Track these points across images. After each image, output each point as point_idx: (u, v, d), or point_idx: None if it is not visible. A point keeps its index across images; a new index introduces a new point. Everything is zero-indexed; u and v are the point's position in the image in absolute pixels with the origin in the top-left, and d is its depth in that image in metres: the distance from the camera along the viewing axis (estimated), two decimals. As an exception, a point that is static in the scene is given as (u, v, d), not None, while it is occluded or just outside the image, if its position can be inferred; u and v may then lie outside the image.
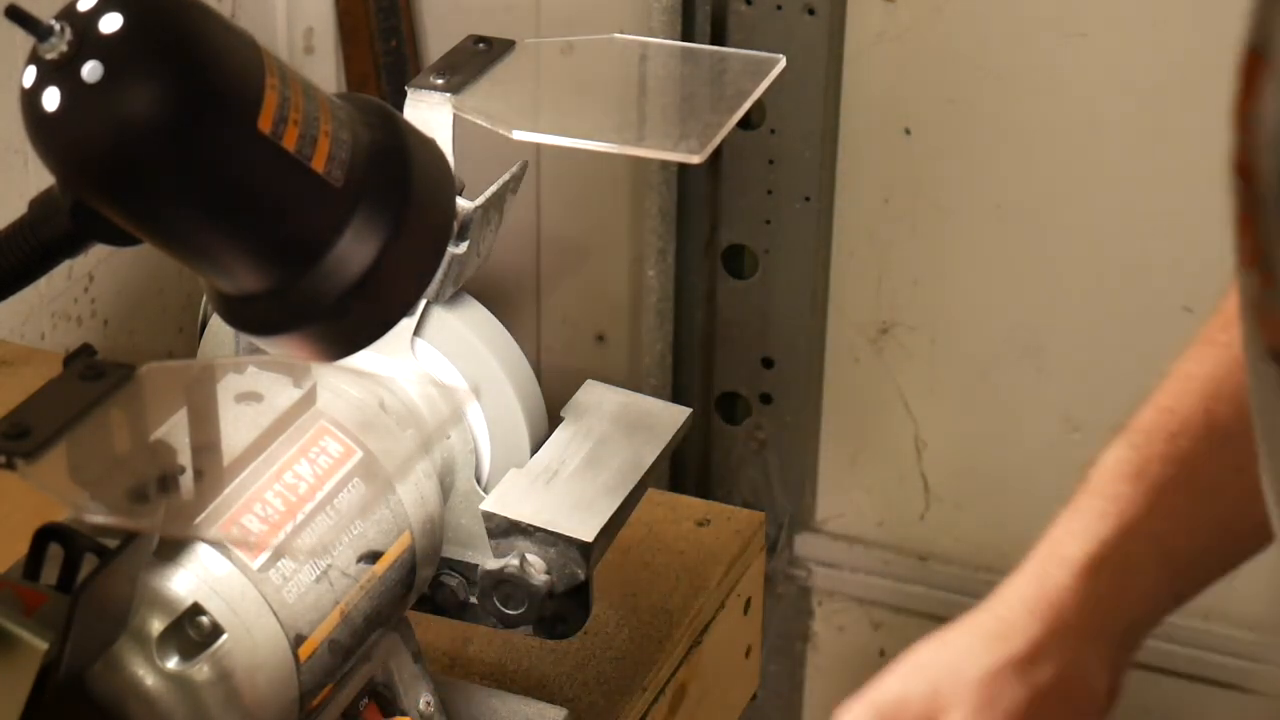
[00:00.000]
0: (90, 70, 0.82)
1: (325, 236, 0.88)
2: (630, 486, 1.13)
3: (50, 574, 0.95)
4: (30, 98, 0.84)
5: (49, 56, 0.83)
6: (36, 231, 0.90)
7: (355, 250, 0.89)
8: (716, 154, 2.08)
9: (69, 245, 0.90)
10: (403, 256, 0.90)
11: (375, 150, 0.90)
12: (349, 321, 0.91)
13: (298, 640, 0.99)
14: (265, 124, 0.85)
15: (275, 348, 0.94)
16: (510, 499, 1.11)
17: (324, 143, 0.87)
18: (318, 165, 0.87)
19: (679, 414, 1.19)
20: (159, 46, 0.83)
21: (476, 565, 1.13)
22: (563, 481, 1.12)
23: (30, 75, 0.83)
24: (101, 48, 0.82)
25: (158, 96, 0.82)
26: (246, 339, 1.09)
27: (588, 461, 1.13)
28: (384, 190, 0.89)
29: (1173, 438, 1.04)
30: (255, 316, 0.91)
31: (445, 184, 0.94)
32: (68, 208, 0.88)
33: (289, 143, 0.85)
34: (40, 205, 0.90)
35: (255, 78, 0.85)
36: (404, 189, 0.90)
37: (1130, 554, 1.03)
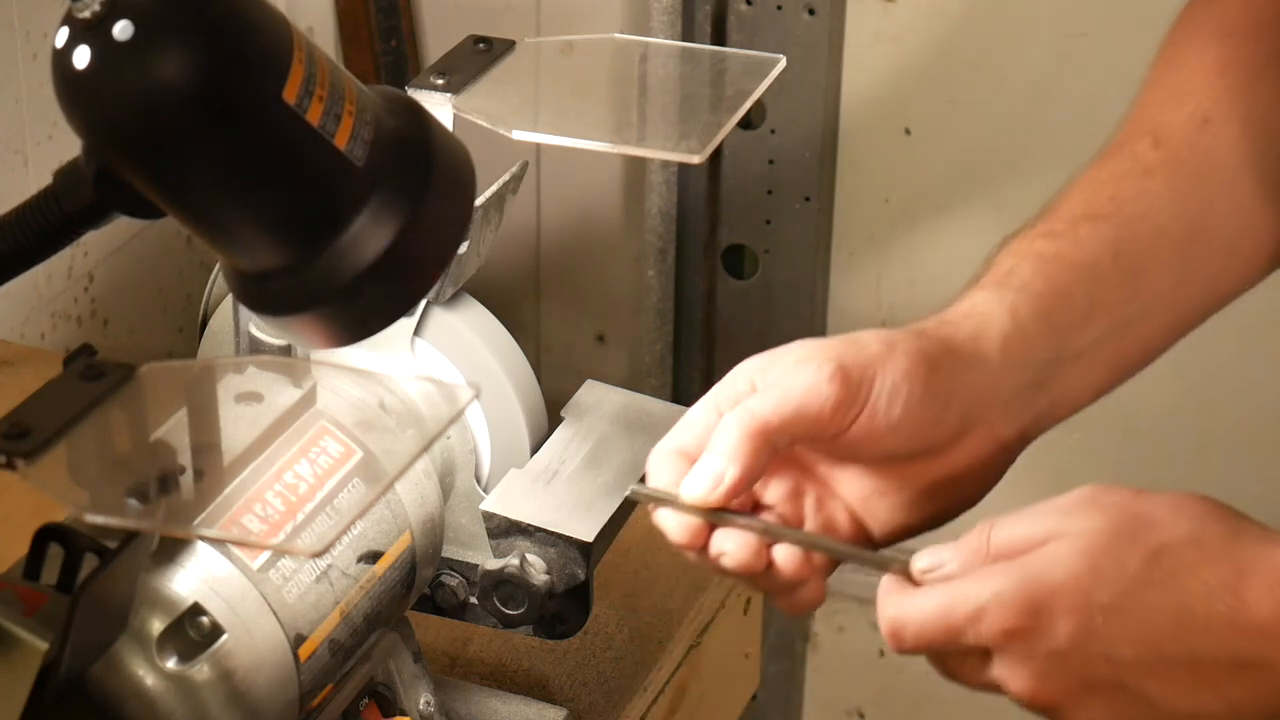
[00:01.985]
0: (121, 29, 0.83)
1: (343, 214, 0.89)
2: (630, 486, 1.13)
3: (50, 574, 0.95)
4: (61, 57, 0.85)
5: (81, 16, 0.84)
6: (60, 202, 0.90)
7: (371, 232, 0.89)
8: (716, 154, 2.08)
9: (91, 216, 0.90)
10: (418, 243, 0.91)
11: (398, 137, 0.91)
12: (361, 304, 0.92)
13: (298, 640, 0.99)
14: (290, 95, 0.86)
15: (286, 329, 0.94)
16: (510, 499, 1.11)
17: (348, 121, 0.88)
18: (340, 142, 0.88)
19: (679, 414, 1.19)
20: (190, 7, 0.84)
21: (476, 565, 1.13)
22: (563, 481, 1.12)
23: (62, 36, 0.85)
24: (133, 7, 0.83)
25: (187, 55, 0.83)
26: (247, 338, 1.09)
27: (588, 461, 1.14)
28: (404, 175, 0.90)
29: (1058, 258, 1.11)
30: (269, 295, 0.92)
31: (466, 178, 0.94)
32: (91, 177, 0.88)
33: (313, 116, 0.87)
34: (64, 175, 0.90)
35: (283, 48, 0.86)
36: (424, 176, 0.91)
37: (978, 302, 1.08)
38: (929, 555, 0.96)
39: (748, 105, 1.11)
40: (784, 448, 1.00)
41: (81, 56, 0.84)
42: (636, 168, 2.12)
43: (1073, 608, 0.93)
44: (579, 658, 1.31)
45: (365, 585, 1.04)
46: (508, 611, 1.12)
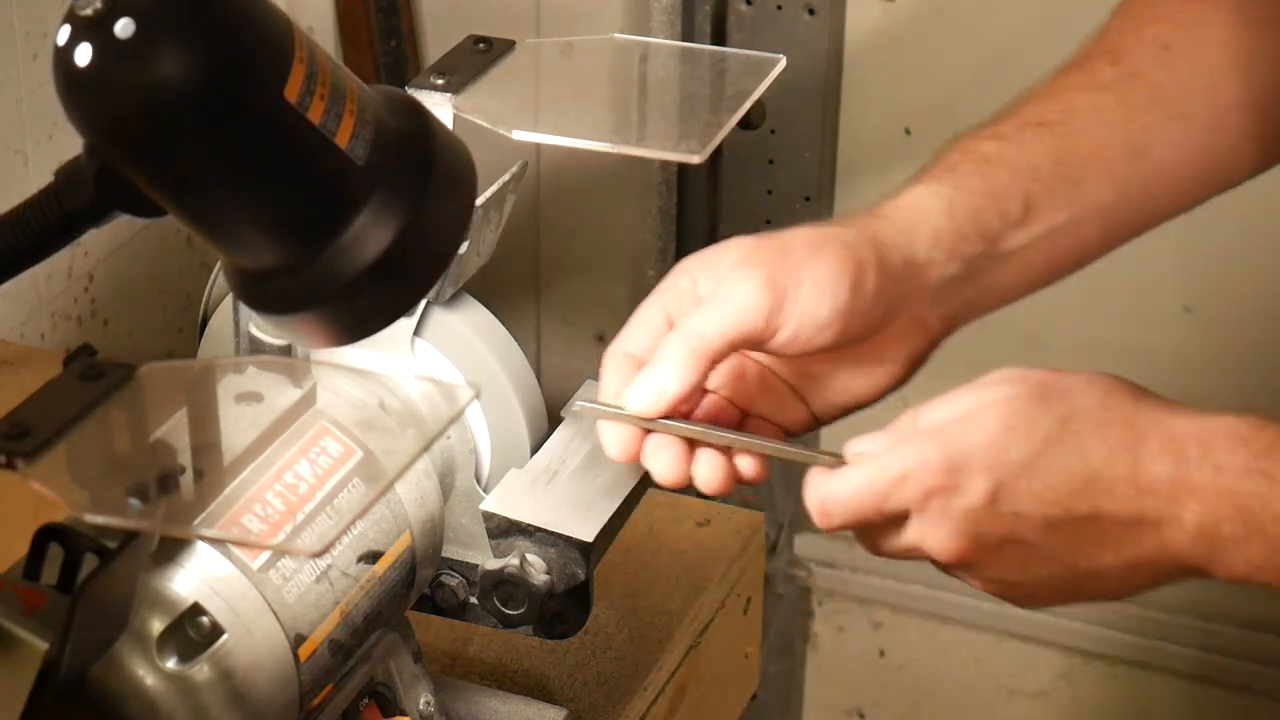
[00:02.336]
0: (123, 27, 0.83)
1: (344, 213, 0.89)
2: (630, 486, 1.13)
3: (50, 574, 0.95)
4: (62, 55, 0.85)
5: (83, 14, 0.84)
6: (61, 200, 0.90)
7: (372, 231, 0.89)
8: (716, 154, 2.08)
9: (93, 214, 0.90)
10: (419, 242, 0.91)
11: (400, 137, 0.91)
12: (361, 304, 0.92)
13: (298, 640, 0.99)
14: (292, 94, 0.86)
15: (287, 328, 0.94)
16: (510, 499, 1.11)
17: (349, 121, 0.88)
18: (341, 141, 0.88)
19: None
20: (191, 5, 0.84)
21: (476, 565, 1.13)
22: (563, 481, 1.12)
23: (64, 34, 0.85)
24: (134, 5, 0.84)
25: (188, 54, 0.83)
26: (247, 338, 1.09)
27: (588, 461, 1.14)
28: (405, 175, 0.90)
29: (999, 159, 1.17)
30: (270, 294, 0.92)
31: (467, 177, 0.94)
32: (92, 175, 0.88)
33: (314, 115, 0.87)
34: (65, 174, 0.90)
35: (284, 47, 0.86)
36: (425, 176, 0.91)
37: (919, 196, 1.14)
38: (862, 441, 1.03)
39: (748, 105, 1.11)
40: (724, 359, 1.06)
41: (83, 54, 0.84)
42: (636, 168, 2.12)
43: (987, 466, 1.00)
44: (579, 658, 1.31)
45: (365, 585, 1.03)
46: (508, 611, 1.12)
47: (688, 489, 1.09)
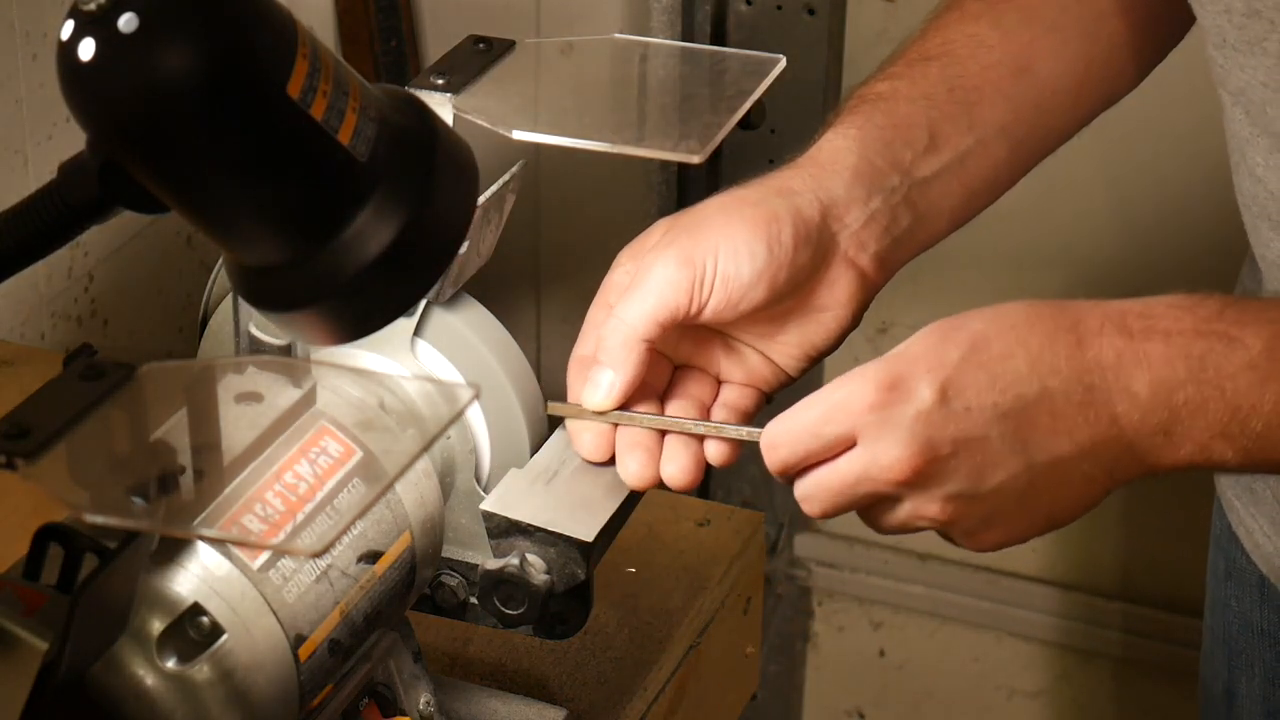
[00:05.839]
0: (126, 21, 0.83)
1: (346, 210, 0.89)
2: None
3: (50, 574, 0.95)
4: (66, 49, 0.85)
5: (87, 8, 0.84)
6: (64, 196, 0.90)
7: (374, 228, 0.90)
8: (716, 154, 2.08)
9: (96, 210, 0.90)
10: (421, 239, 0.91)
11: (403, 134, 0.91)
12: (363, 301, 0.92)
13: (298, 640, 0.99)
14: (294, 90, 0.86)
15: (289, 325, 0.94)
16: (510, 499, 1.11)
17: (351, 117, 0.88)
18: (344, 137, 0.88)
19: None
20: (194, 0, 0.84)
21: (476, 565, 1.13)
22: (563, 481, 1.12)
23: (68, 28, 0.85)
24: (138, 0, 0.83)
25: (191, 48, 0.84)
26: (247, 338, 1.09)
27: (588, 461, 1.14)
28: (408, 172, 0.90)
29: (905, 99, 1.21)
30: (271, 290, 0.92)
31: (469, 175, 0.95)
32: (96, 170, 0.88)
33: (317, 111, 0.87)
34: (69, 169, 0.90)
35: (288, 43, 0.86)
36: (428, 174, 0.91)
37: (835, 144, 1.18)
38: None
39: (748, 105, 1.11)
40: (660, 339, 1.10)
41: (87, 48, 0.84)
42: (636, 168, 2.12)
43: (930, 368, 1.02)
44: (579, 658, 1.31)
45: (365, 585, 1.04)
46: (508, 611, 1.12)
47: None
